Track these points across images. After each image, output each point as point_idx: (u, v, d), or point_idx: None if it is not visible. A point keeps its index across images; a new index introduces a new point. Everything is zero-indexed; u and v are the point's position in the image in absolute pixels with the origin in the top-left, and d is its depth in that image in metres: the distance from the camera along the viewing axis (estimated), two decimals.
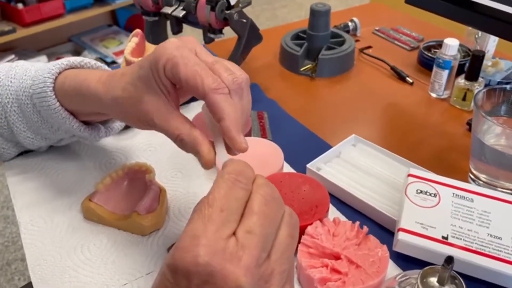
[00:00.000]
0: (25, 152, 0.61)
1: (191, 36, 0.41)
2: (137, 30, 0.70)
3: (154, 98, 0.40)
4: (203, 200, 0.31)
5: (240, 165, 0.33)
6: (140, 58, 0.55)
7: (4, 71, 0.54)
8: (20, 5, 1.85)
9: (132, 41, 0.67)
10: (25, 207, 0.53)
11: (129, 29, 2.39)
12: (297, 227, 0.34)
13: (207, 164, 0.38)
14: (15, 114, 0.53)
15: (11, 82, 0.53)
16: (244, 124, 0.40)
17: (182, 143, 0.39)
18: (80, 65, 0.52)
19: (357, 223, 0.47)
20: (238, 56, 0.71)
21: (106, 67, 0.55)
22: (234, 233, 0.30)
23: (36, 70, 0.52)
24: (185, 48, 0.38)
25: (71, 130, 0.52)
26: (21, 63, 0.55)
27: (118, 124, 0.58)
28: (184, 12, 0.68)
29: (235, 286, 0.28)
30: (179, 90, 0.41)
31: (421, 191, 0.50)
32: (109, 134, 0.56)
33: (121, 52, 2.20)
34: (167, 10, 0.70)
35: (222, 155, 0.38)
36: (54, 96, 0.49)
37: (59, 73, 0.50)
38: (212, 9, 0.65)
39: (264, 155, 0.56)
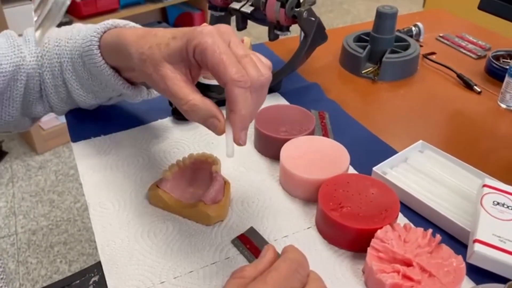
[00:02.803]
0: (93, 136, 0.62)
1: (227, 25, 0.43)
2: (205, 24, 0.70)
3: (173, 66, 0.42)
4: (245, 271, 0.34)
5: (301, 255, 0.36)
6: None
7: (63, 33, 0.59)
8: None
9: None
10: (93, 189, 0.54)
11: (178, 27, 2.44)
12: None
13: (220, 130, 0.40)
14: (70, 72, 0.57)
15: (67, 43, 0.57)
16: (252, 118, 0.41)
17: (194, 107, 0.40)
18: (124, 27, 0.55)
19: (430, 230, 0.45)
20: (302, 54, 0.70)
21: None
22: None
23: (86, 30, 0.56)
24: (219, 37, 0.40)
25: (116, 87, 0.55)
26: (78, 25, 0.59)
27: None
28: (252, 8, 0.68)
29: None
30: (200, 71, 0.44)
31: (498, 203, 0.48)
32: (150, 96, 0.61)
33: None
34: (236, 5, 0.70)
35: (228, 133, 0.41)
36: (99, 54, 0.53)
37: (104, 32, 0.54)
38: (282, 6, 0.65)
39: (329, 155, 0.55)
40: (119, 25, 0.55)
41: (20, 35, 0.59)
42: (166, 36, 0.43)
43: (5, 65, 0.54)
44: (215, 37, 0.39)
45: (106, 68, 0.53)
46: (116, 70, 0.55)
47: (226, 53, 0.39)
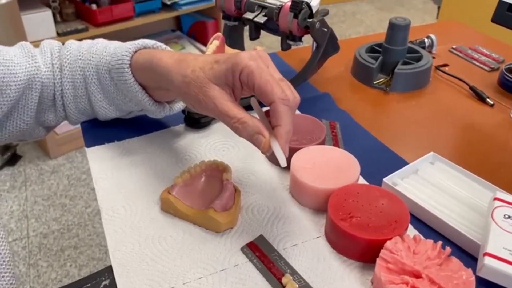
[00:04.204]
0: (107, 142, 0.64)
1: (264, 50, 0.48)
2: (218, 34, 0.71)
3: (219, 88, 0.46)
4: None
5: None
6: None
7: (87, 47, 0.61)
8: (94, 6, 1.95)
9: (213, 43, 0.69)
10: (106, 194, 0.55)
11: (191, 35, 2.47)
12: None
13: (266, 148, 0.44)
14: (95, 85, 0.60)
15: (92, 57, 0.59)
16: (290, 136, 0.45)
17: (244, 125, 0.44)
18: (153, 47, 0.58)
19: (439, 242, 0.45)
20: (314, 64, 0.71)
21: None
22: None
23: (115, 48, 0.58)
24: (261, 61, 0.45)
25: (141, 102, 0.58)
26: (101, 41, 0.62)
27: (180, 105, 0.64)
28: (265, 18, 0.69)
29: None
30: (241, 91, 0.47)
31: (509, 217, 0.47)
32: (171, 112, 0.63)
33: None
34: (249, 15, 0.71)
35: (276, 145, 0.44)
36: (130, 72, 0.56)
37: (135, 52, 0.56)
38: (295, 16, 0.65)
39: (340, 165, 0.55)
40: (148, 45, 0.58)
41: (34, 43, 0.60)
42: (208, 60, 0.47)
43: (20, 74, 0.56)
44: (258, 61, 0.44)
45: (135, 85, 0.56)
46: (143, 87, 0.57)
47: (270, 75, 0.44)
